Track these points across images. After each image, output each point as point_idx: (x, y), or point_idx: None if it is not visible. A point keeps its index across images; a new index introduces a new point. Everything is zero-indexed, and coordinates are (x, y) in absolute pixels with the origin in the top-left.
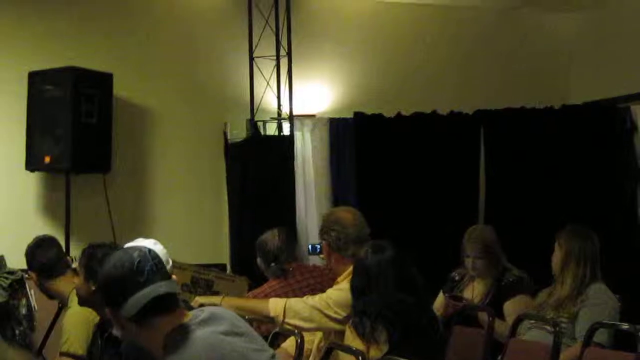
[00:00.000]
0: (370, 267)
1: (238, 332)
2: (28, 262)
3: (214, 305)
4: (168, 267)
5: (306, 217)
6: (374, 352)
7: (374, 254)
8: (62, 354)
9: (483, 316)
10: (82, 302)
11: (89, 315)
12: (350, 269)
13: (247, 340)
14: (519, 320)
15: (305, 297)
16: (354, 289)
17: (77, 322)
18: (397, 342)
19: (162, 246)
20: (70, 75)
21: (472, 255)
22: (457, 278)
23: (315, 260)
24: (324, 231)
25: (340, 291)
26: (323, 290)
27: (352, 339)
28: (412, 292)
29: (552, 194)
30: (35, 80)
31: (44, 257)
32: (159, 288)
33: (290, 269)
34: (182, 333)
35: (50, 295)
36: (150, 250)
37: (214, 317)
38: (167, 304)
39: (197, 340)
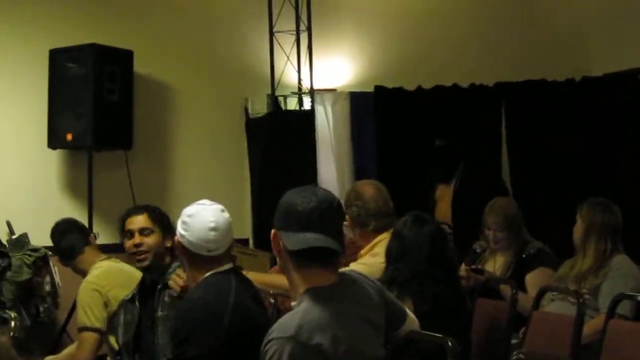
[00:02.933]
0: (406, 236)
1: (368, 318)
2: (51, 247)
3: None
4: (228, 239)
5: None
6: None
7: (413, 225)
8: (79, 329)
9: (505, 289)
10: (156, 258)
11: (98, 282)
12: (373, 243)
13: (373, 329)
14: (542, 293)
15: None
16: (387, 253)
17: (87, 294)
18: (423, 315)
19: (228, 215)
20: (92, 53)
21: (493, 228)
22: (478, 250)
23: None
24: (346, 206)
25: (363, 265)
26: (346, 264)
27: None
28: (443, 268)
29: (574, 166)
30: (57, 57)
31: (63, 241)
32: (330, 242)
33: None
34: (324, 296)
35: (77, 272)
36: (340, 204)
37: (360, 296)
38: (326, 258)
39: (330, 311)
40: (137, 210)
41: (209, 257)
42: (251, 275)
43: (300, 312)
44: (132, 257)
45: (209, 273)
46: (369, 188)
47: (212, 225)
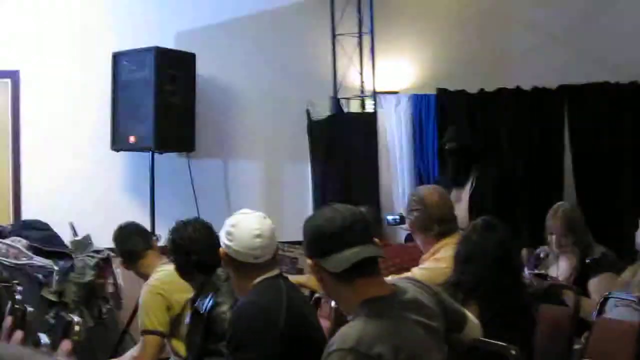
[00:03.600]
0: (474, 241)
1: (426, 325)
2: (114, 250)
3: (300, 284)
4: (273, 245)
5: (390, 193)
6: None
7: (482, 230)
8: (142, 332)
9: (568, 294)
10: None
11: (160, 285)
12: (435, 248)
13: (432, 336)
14: (605, 299)
15: (390, 277)
16: (455, 256)
17: (150, 297)
18: (487, 321)
19: (270, 221)
20: (154, 56)
21: (556, 233)
22: (542, 255)
23: (396, 232)
24: (408, 211)
25: (425, 270)
26: (408, 269)
27: None
28: (509, 275)
29: (638, 169)
30: (120, 61)
31: (125, 245)
32: (369, 250)
33: None
34: (380, 306)
35: (139, 275)
36: (362, 211)
37: (417, 303)
38: (371, 268)
39: (388, 321)
40: None
41: (256, 264)
42: (314, 280)
43: (359, 324)
44: None
45: (257, 280)
46: (431, 193)
47: (257, 232)
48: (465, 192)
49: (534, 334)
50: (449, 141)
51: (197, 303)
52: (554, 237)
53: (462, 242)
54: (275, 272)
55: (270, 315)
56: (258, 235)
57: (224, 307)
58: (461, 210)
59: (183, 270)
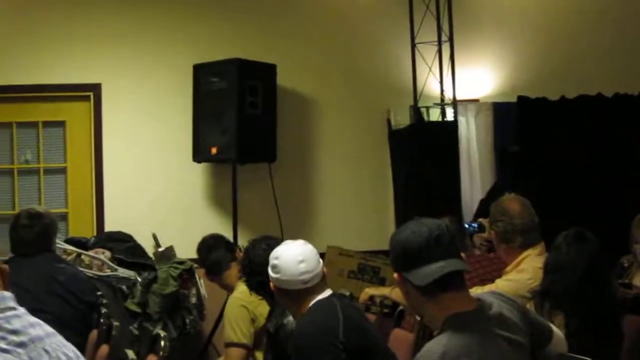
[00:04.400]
0: (564, 251)
1: (511, 340)
2: (197, 261)
3: (384, 296)
4: (319, 268)
5: (472, 203)
6: None
7: (573, 240)
8: (226, 345)
9: None
10: None
11: (245, 298)
12: (519, 259)
13: (518, 351)
14: None
15: (474, 288)
16: (545, 265)
17: (234, 310)
18: (574, 332)
19: (312, 246)
20: (235, 67)
21: None
22: (626, 264)
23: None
24: (491, 221)
25: (509, 281)
26: (492, 281)
27: None
28: (598, 288)
29: None
30: (201, 72)
31: (209, 257)
32: (455, 264)
33: None
34: (465, 321)
35: (222, 287)
36: (447, 225)
37: (502, 318)
38: (457, 282)
39: (473, 335)
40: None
41: (306, 289)
42: (397, 292)
43: (444, 339)
44: None
45: (311, 303)
46: (514, 203)
47: (300, 258)
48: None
49: (621, 348)
50: (514, 144)
51: (268, 323)
52: (639, 245)
53: (552, 252)
54: (328, 292)
55: (327, 334)
56: (301, 261)
57: (289, 328)
58: None
59: (254, 290)
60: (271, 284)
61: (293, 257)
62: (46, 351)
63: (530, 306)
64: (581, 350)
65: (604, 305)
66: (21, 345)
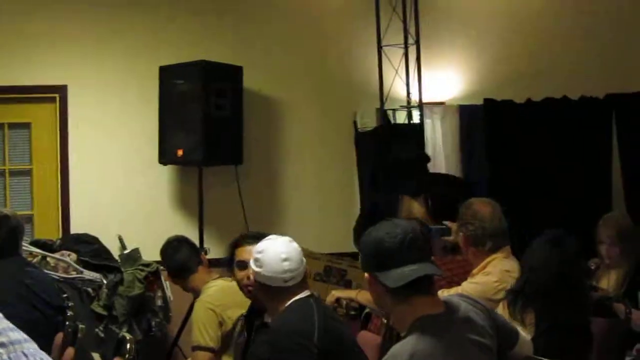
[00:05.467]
0: (537, 253)
1: (478, 342)
2: (162, 264)
3: (350, 299)
4: (301, 268)
5: None
6: None
7: (547, 244)
8: (193, 348)
9: (619, 306)
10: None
11: (213, 302)
12: (485, 262)
13: (485, 354)
14: None
15: (440, 291)
16: (522, 264)
17: (202, 313)
18: (543, 331)
19: (297, 244)
20: (201, 69)
21: (606, 243)
22: (593, 267)
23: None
24: (461, 224)
25: (475, 284)
26: (458, 283)
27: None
28: (570, 290)
29: None
30: (166, 74)
31: (174, 259)
32: (428, 268)
33: None
34: (433, 324)
35: (187, 290)
36: (421, 229)
37: (469, 321)
38: (427, 286)
39: (441, 338)
40: (252, 239)
41: (287, 287)
42: (363, 295)
43: (412, 341)
44: (243, 288)
45: (289, 302)
46: (485, 207)
47: (284, 256)
48: (420, 204)
49: (590, 351)
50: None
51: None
52: (604, 246)
53: (528, 252)
54: (306, 293)
55: (303, 333)
56: (285, 259)
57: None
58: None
59: None
60: (251, 276)
61: (277, 254)
62: (25, 355)
63: (502, 309)
64: (549, 350)
65: (575, 307)
66: (2, 345)
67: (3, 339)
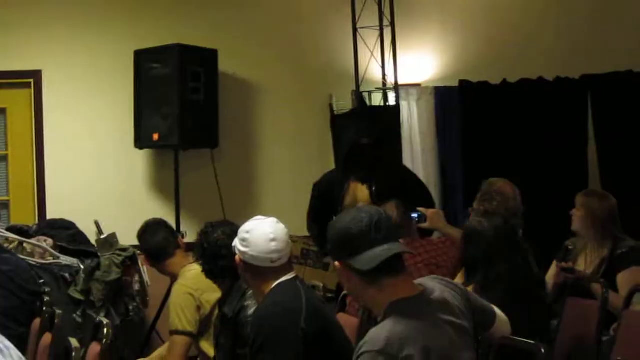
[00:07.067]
0: (471, 226)
1: (455, 324)
2: (140, 247)
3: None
4: (288, 249)
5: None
6: None
7: (482, 218)
8: (171, 332)
9: (596, 288)
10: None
11: (191, 285)
12: None
13: (462, 335)
14: (633, 292)
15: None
16: (472, 259)
17: (180, 297)
18: (493, 299)
19: (283, 225)
20: (176, 53)
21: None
22: (570, 247)
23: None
24: (484, 199)
25: None
26: (438, 266)
27: None
28: (510, 250)
29: None
30: (142, 58)
31: (152, 242)
32: (398, 246)
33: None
34: (408, 307)
35: (164, 274)
36: (385, 211)
37: (445, 303)
38: (398, 267)
39: (417, 321)
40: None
41: (273, 268)
42: None
43: (388, 325)
44: None
45: (275, 283)
46: (508, 186)
47: (272, 236)
48: (365, 190)
49: (549, 315)
50: (365, 137)
51: (225, 307)
52: (575, 210)
53: (472, 243)
54: (292, 274)
55: (290, 316)
56: (273, 239)
57: (250, 311)
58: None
59: (211, 275)
60: (237, 257)
61: (265, 234)
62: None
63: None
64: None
65: (521, 267)
66: None
67: None
